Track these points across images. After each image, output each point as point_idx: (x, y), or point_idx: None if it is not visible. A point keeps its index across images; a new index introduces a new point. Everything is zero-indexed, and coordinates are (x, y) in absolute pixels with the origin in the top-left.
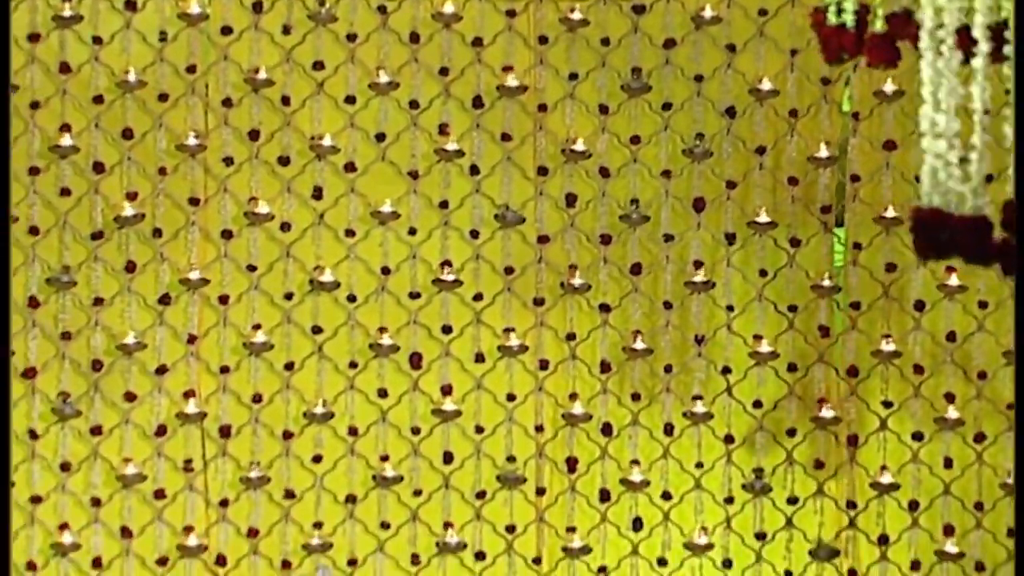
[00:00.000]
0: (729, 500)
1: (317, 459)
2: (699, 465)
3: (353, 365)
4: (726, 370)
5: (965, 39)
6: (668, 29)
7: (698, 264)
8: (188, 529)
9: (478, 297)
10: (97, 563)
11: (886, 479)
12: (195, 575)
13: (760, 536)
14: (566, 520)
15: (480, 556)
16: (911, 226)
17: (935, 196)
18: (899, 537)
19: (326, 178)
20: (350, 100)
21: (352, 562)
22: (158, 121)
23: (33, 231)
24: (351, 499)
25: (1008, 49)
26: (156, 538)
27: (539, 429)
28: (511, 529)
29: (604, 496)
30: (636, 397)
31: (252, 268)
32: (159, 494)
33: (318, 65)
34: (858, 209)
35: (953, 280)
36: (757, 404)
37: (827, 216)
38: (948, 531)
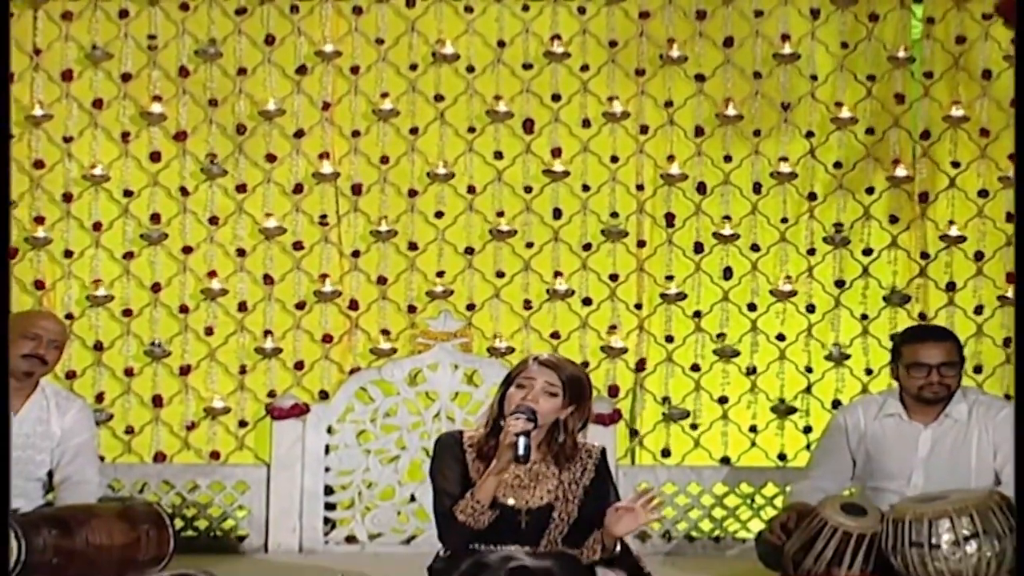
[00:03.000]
0: (811, 251)
1: (439, 215)
2: (784, 220)
3: (472, 130)
4: (810, 134)
5: None
6: None
7: (785, 37)
8: (323, 277)
9: (585, 68)
10: (242, 307)
11: (954, 232)
12: (330, 318)
13: (839, 284)
14: (664, 269)
15: (586, 302)
16: None
17: None
18: (965, 284)
19: None
20: None
21: (471, 307)
22: None
23: (183, 7)
24: (469, 250)
25: None
26: (295, 284)
27: (640, 187)
28: (614, 277)
29: (698, 248)
30: (728, 159)
31: (380, 41)
32: (297, 245)
33: None
34: None
35: None
36: (837, 164)
37: None
38: (1010, 279)
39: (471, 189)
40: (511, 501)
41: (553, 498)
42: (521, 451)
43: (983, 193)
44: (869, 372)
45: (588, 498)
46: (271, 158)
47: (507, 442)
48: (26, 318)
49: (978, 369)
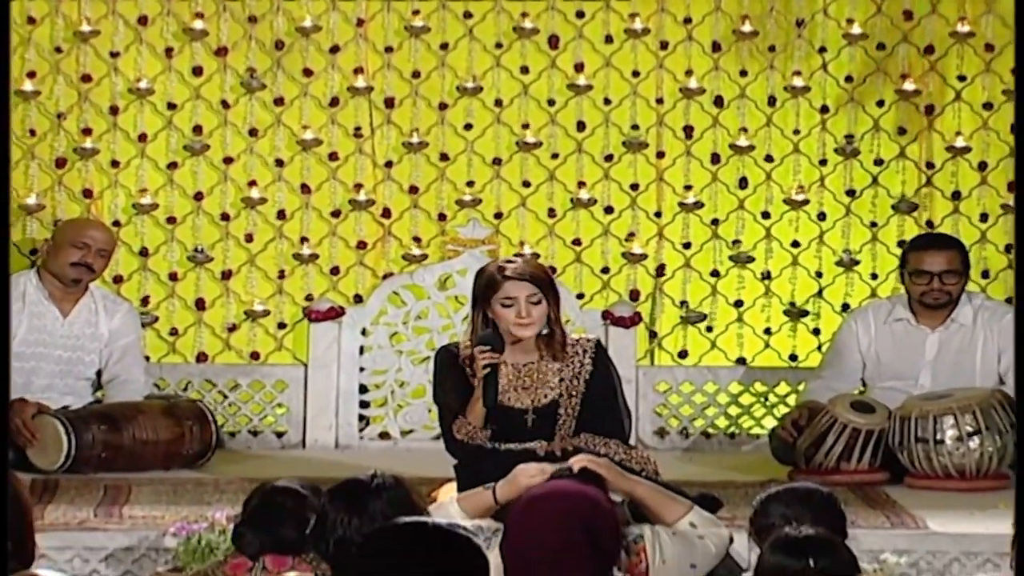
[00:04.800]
0: (823, 162)
1: (468, 127)
2: (797, 132)
3: (499, 46)
4: (822, 49)
5: None
6: None
7: None
8: (358, 186)
9: None
10: (281, 215)
11: (960, 143)
12: (364, 226)
13: (850, 193)
14: (682, 179)
15: (608, 210)
16: None
17: None
18: (970, 193)
19: None
20: None
21: (498, 215)
22: None
23: None
24: (497, 161)
25: None
26: (331, 194)
27: (659, 101)
28: (635, 187)
29: (715, 159)
30: (744, 73)
31: None
32: (333, 156)
33: None
34: None
35: None
36: (848, 79)
37: None
38: (1012, 187)
39: (498, 102)
40: (516, 404)
41: (557, 395)
42: (489, 400)
43: (988, 106)
44: (875, 277)
45: (589, 391)
46: (308, 73)
47: (479, 375)
48: (76, 227)
49: (985, 274)
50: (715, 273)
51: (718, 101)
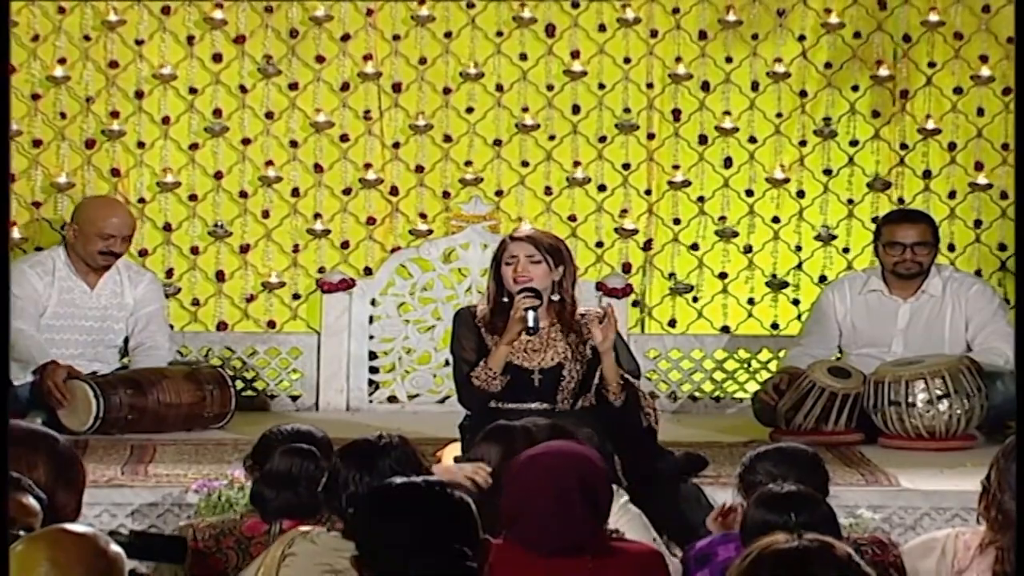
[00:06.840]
0: (803, 143)
1: (471, 110)
2: (779, 115)
3: (500, 34)
4: (802, 37)
5: None
6: None
7: None
8: (367, 166)
9: None
10: (295, 192)
11: (930, 125)
12: (373, 202)
13: (827, 172)
14: (671, 159)
15: (602, 188)
16: None
17: None
18: (939, 172)
19: None
20: None
21: (499, 193)
22: None
23: None
24: (498, 142)
25: None
26: (342, 173)
27: (650, 86)
28: (627, 166)
29: (702, 140)
30: (729, 60)
31: None
32: (344, 137)
33: None
34: None
35: None
36: (827, 65)
37: None
38: (979, 167)
39: (499, 87)
40: (526, 364)
41: (563, 358)
42: (531, 323)
43: (957, 90)
44: (847, 251)
45: (594, 357)
46: (320, 59)
47: (517, 316)
48: (100, 218)
49: (951, 247)
50: (700, 247)
51: (704, 86)
